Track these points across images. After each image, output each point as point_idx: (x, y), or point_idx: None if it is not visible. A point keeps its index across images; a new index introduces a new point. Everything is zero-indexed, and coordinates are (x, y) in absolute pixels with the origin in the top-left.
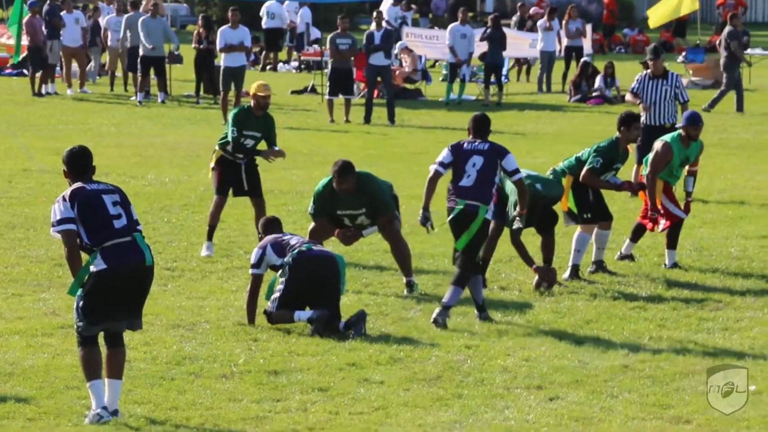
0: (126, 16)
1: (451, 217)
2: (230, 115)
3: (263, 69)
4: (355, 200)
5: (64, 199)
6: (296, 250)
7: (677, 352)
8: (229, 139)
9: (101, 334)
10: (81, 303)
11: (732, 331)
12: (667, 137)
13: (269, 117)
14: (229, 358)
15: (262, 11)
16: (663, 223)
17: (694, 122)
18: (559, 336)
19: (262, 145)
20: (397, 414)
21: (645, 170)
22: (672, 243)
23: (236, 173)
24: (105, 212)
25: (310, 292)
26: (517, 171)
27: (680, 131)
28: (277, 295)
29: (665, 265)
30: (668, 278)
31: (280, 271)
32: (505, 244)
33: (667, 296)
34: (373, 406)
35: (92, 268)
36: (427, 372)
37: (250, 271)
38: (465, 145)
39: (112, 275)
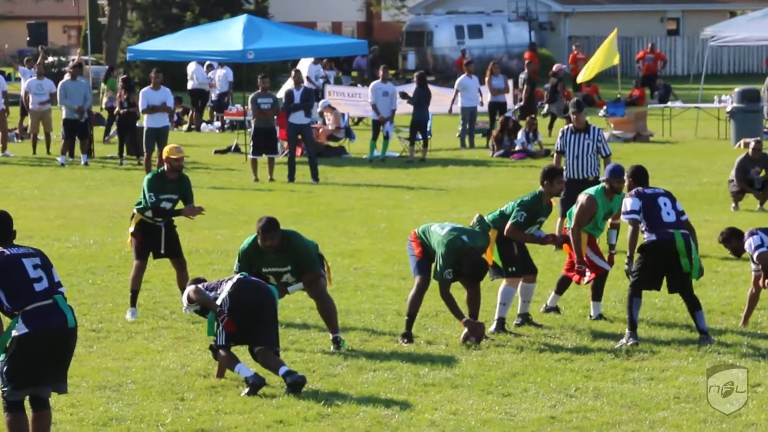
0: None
1: (665, 245)
2: (144, 182)
3: (188, 129)
4: (280, 258)
5: None
6: (234, 280)
7: (604, 402)
8: (148, 205)
9: (27, 398)
10: (5, 368)
11: (657, 380)
12: (591, 190)
13: (184, 177)
14: (156, 418)
15: (189, 73)
16: (588, 275)
17: (618, 175)
18: (486, 389)
19: (180, 205)
20: None
21: (569, 223)
22: (597, 295)
23: (156, 236)
24: (25, 276)
25: (251, 318)
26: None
27: (604, 184)
28: (222, 327)
29: (590, 316)
30: (594, 329)
31: (220, 302)
32: (431, 299)
33: (593, 347)
34: None
35: (14, 333)
36: (355, 428)
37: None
38: (645, 191)
39: (34, 339)
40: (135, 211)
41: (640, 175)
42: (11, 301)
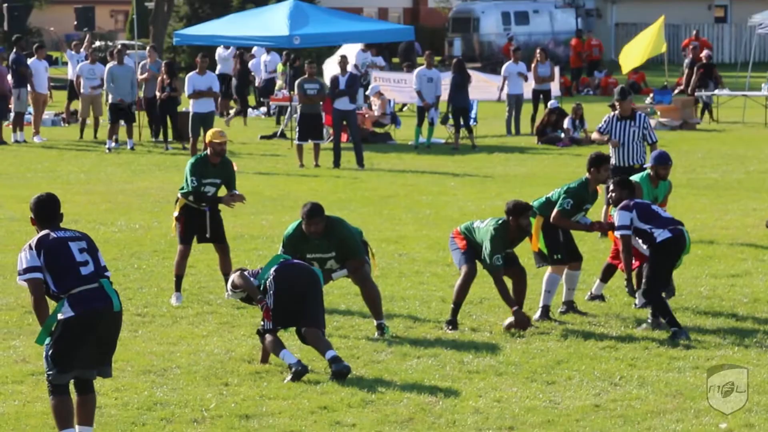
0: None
1: (680, 240)
2: (187, 166)
3: (234, 115)
4: (324, 243)
5: (30, 247)
6: (276, 264)
7: (648, 391)
8: (189, 189)
9: (72, 381)
10: (51, 351)
11: (702, 369)
12: (636, 177)
13: (227, 162)
14: (200, 402)
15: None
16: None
17: (663, 161)
18: (530, 376)
19: (222, 191)
20: None
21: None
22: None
23: (201, 220)
24: (71, 259)
25: (297, 300)
26: None
27: (649, 171)
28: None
29: (635, 305)
30: (638, 318)
31: (263, 284)
32: (475, 286)
33: (637, 336)
34: None
35: (60, 316)
36: (399, 414)
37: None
38: (638, 201)
39: (80, 322)
40: (179, 195)
41: (630, 187)
42: (58, 284)
